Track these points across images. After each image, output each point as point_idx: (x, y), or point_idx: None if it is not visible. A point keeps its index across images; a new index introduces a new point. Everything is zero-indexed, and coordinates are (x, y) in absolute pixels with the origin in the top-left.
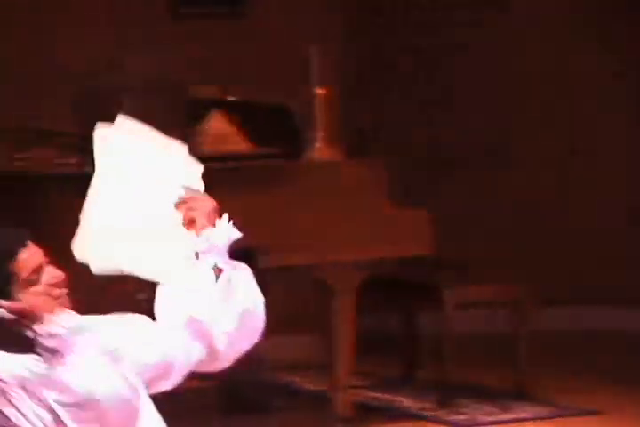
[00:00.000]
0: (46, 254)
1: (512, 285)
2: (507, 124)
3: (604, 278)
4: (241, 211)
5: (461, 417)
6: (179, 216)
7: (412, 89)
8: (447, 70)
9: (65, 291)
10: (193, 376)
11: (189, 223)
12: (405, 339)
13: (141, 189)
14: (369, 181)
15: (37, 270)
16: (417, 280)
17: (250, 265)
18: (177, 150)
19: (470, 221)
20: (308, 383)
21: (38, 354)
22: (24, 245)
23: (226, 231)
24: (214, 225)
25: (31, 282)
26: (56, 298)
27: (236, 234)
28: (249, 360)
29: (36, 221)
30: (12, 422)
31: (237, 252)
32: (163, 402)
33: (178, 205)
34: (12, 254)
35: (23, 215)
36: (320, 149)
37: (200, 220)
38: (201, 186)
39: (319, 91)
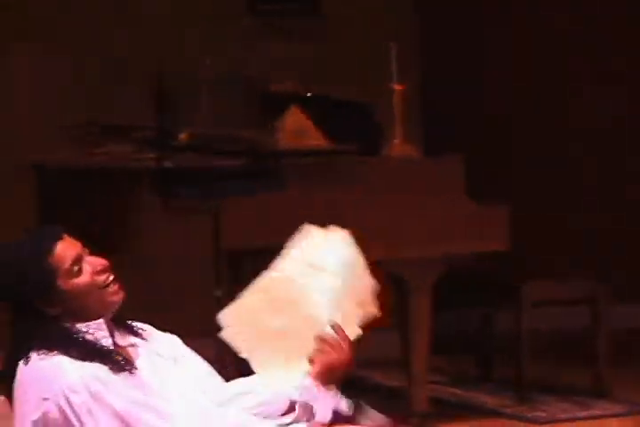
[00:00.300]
0: (85, 245)
1: (589, 282)
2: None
3: None
4: (317, 206)
5: (539, 414)
6: (311, 346)
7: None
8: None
9: (111, 276)
10: None
11: (311, 360)
12: (483, 336)
13: (303, 301)
14: (446, 177)
15: (77, 261)
16: (494, 277)
17: None
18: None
19: (545, 217)
20: (385, 379)
21: (108, 364)
22: (60, 239)
23: (331, 400)
24: (328, 377)
25: (74, 273)
26: (102, 286)
27: (343, 406)
28: None
29: (114, 216)
30: None
31: None
32: None
33: (317, 337)
34: (49, 250)
35: (103, 210)
36: (398, 146)
37: (317, 367)
38: (356, 330)
39: (397, 87)
